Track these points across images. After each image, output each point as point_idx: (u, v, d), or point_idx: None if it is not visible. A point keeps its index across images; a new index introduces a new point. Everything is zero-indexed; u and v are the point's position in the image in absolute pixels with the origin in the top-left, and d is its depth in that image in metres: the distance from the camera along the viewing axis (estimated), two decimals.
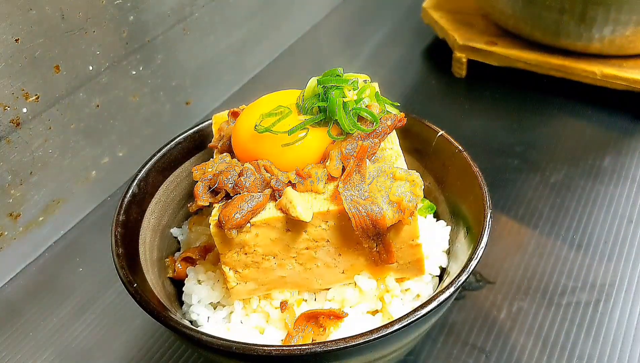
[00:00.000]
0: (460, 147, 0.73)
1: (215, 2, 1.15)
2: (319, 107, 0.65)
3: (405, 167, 0.65)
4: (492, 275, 0.84)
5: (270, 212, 0.61)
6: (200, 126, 0.81)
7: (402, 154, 0.67)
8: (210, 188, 0.64)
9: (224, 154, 0.69)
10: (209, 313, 0.68)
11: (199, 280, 0.70)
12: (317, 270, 0.65)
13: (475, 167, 0.71)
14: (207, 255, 0.72)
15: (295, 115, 0.66)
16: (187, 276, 0.71)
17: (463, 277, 0.59)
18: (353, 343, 0.54)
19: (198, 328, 0.64)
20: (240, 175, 0.63)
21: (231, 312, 0.68)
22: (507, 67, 1.20)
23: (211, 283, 0.69)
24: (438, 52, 1.34)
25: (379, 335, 0.55)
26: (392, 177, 0.62)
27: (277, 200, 0.62)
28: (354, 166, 0.62)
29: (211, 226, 0.61)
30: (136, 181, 0.74)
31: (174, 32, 1.07)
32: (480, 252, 0.62)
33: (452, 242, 0.72)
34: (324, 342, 0.55)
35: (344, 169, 0.63)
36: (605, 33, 1.07)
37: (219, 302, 0.69)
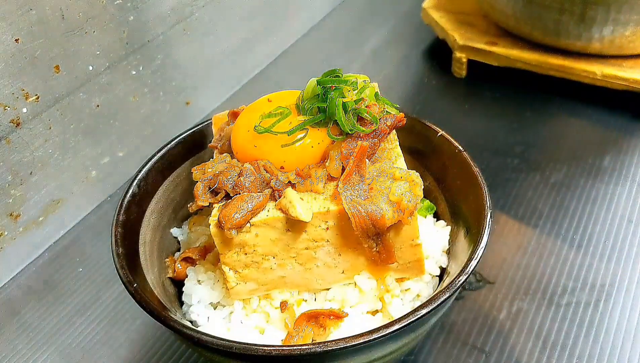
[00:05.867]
0: (460, 147, 0.73)
1: (215, 2, 1.15)
2: (318, 107, 0.65)
3: (405, 167, 0.65)
4: (492, 275, 0.84)
5: (270, 212, 0.62)
6: (200, 126, 0.81)
7: (402, 154, 0.67)
8: (210, 188, 0.64)
9: (224, 154, 0.69)
10: (209, 313, 0.68)
11: (199, 280, 0.70)
12: (317, 270, 0.65)
13: (475, 167, 0.71)
14: (207, 255, 0.72)
15: (295, 116, 0.66)
16: (187, 276, 0.71)
17: (463, 277, 0.59)
18: (353, 343, 0.54)
19: (198, 328, 0.64)
20: (240, 175, 0.63)
21: (231, 312, 0.68)
22: (507, 67, 1.19)
23: (211, 283, 0.69)
24: (438, 52, 1.34)
25: (379, 335, 0.55)
26: (391, 177, 0.62)
27: (277, 200, 0.62)
28: (354, 166, 0.62)
29: (211, 226, 0.61)
30: (136, 181, 0.74)
31: (174, 32, 1.07)
32: (480, 252, 0.62)
33: (452, 242, 0.72)
34: (324, 342, 0.55)
35: (343, 169, 0.63)
36: (605, 33, 1.07)
37: (219, 302, 0.69)
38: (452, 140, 0.75)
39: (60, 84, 0.90)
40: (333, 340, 0.55)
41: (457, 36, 1.23)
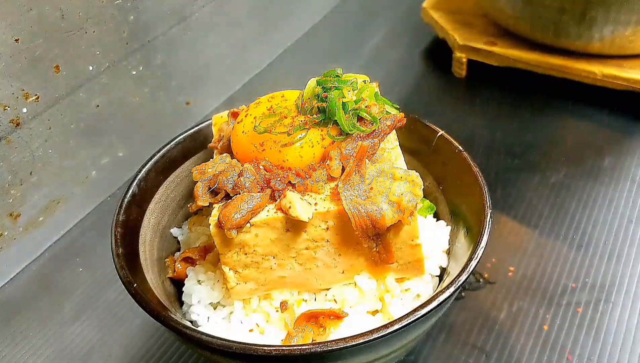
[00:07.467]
0: (460, 147, 0.73)
1: (215, 2, 1.15)
2: (318, 107, 0.65)
3: (404, 167, 0.65)
4: (492, 275, 0.84)
5: (270, 212, 0.61)
6: (200, 126, 0.81)
7: (402, 154, 0.67)
8: (210, 188, 0.64)
9: (224, 154, 0.69)
10: (209, 313, 0.68)
11: (199, 281, 0.70)
12: (317, 270, 0.65)
13: (475, 167, 0.71)
14: (207, 255, 0.72)
15: (295, 116, 0.66)
16: (187, 276, 0.71)
17: (463, 277, 0.59)
18: (353, 343, 0.54)
19: (198, 328, 0.64)
20: (240, 175, 0.63)
21: (231, 312, 0.68)
22: (507, 67, 1.19)
23: (211, 283, 0.69)
24: (438, 52, 1.34)
25: (379, 335, 0.55)
26: (391, 177, 0.62)
27: (276, 200, 0.62)
28: (354, 166, 0.62)
29: (211, 226, 0.61)
30: (136, 181, 0.74)
31: (174, 32, 1.07)
32: (480, 252, 0.62)
33: (452, 242, 0.72)
34: (324, 342, 0.55)
35: (343, 169, 0.63)
36: (605, 33, 1.07)
37: (219, 302, 0.69)
38: (452, 140, 0.75)
39: (60, 84, 0.90)
40: (333, 340, 0.55)
41: (457, 36, 1.23)
